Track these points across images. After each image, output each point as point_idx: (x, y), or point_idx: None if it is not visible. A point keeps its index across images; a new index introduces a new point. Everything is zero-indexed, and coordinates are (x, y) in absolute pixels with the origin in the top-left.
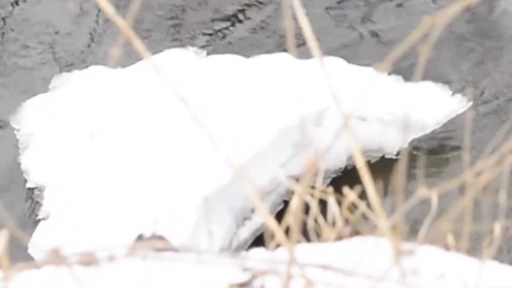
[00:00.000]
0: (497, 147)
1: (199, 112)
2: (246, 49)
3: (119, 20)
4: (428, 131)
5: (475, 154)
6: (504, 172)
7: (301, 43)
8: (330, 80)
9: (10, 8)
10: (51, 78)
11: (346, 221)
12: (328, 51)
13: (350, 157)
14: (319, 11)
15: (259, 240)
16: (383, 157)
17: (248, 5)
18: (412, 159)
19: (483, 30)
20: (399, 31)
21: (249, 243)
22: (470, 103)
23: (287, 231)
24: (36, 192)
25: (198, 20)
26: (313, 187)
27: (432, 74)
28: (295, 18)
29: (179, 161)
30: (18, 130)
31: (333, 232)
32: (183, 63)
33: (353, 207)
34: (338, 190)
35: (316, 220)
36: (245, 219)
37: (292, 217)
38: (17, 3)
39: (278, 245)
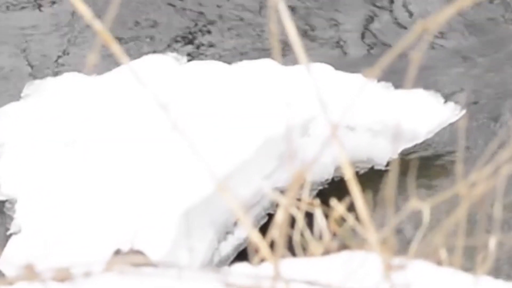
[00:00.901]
0: (492, 157)
1: (180, 121)
2: (229, 55)
3: (96, 24)
4: (419, 141)
5: (469, 165)
6: (499, 183)
7: (287, 49)
8: (317, 88)
9: None
10: (23, 85)
11: (334, 235)
12: (315, 57)
13: (337, 168)
14: (306, 15)
15: (242, 256)
16: (372, 168)
17: (231, 9)
18: (403, 170)
19: (477, 36)
20: (389, 36)
21: (232, 258)
22: (464, 111)
23: (271, 245)
24: (7, 205)
25: (178, 24)
26: (299, 200)
27: (424, 81)
28: (280, 23)
29: (159, 171)
30: None
31: (320, 246)
32: (162, 69)
33: (341, 220)
34: (325, 203)
35: (302, 234)
36: (227, 233)
37: (277, 231)
38: None
39: (262, 260)
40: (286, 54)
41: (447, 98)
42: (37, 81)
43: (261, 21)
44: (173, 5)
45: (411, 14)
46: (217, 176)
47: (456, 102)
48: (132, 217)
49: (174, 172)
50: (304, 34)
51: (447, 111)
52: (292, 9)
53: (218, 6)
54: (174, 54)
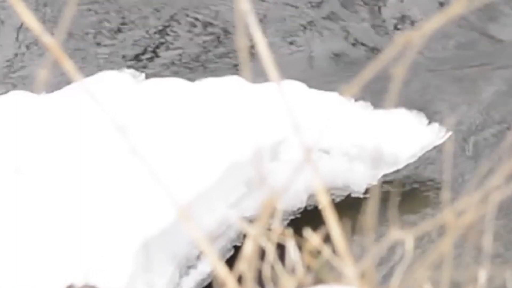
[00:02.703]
0: (481, 183)
1: (139, 144)
2: (191, 71)
3: (46, 38)
4: (401, 165)
5: (456, 191)
6: (489, 211)
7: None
8: (289, 108)
9: None
10: None
11: (308, 268)
12: (287, 74)
13: (311, 196)
14: (277, 28)
15: None
16: (349, 196)
17: (195, 21)
18: (383, 197)
19: (463, 50)
20: (368, 50)
21: None
22: (450, 133)
23: (239, 280)
24: None
25: (136, 38)
26: (269, 230)
27: (406, 100)
28: (249, 36)
29: (115, 199)
30: None
31: (292, 280)
32: (118, 87)
33: (315, 252)
34: (298, 233)
35: (273, 267)
36: (189, 267)
37: (245, 264)
38: None
39: None
40: (255, 70)
41: (431, 118)
42: None
43: (227, 34)
44: (130, 18)
45: (394, 27)
46: (179, 204)
47: (441, 123)
48: (86, 250)
49: (132, 200)
50: (275, 48)
51: (431, 133)
52: (262, 21)
53: (180, 19)
54: (131, 70)
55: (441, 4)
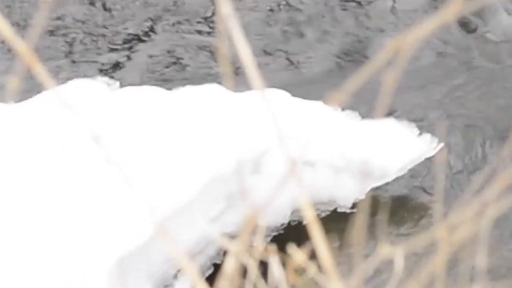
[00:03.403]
0: (475, 196)
1: (114, 155)
2: (168, 79)
3: (18, 43)
4: (390, 178)
5: (449, 205)
6: (484, 226)
7: (238, 72)
8: (273, 117)
9: None
10: None
11: (292, 287)
12: (270, 82)
13: (295, 211)
14: (260, 33)
15: None
16: (335, 211)
17: (171, 25)
18: (372, 212)
19: (455, 56)
20: (356, 57)
21: None
22: (442, 144)
23: None
24: None
25: (109, 44)
26: (251, 246)
27: (396, 110)
28: (231, 41)
29: (88, 213)
30: None
31: None
32: (91, 96)
33: (300, 270)
34: (282, 249)
35: (255, 286)
36: (166, 286)
37: (226, 282)
38: None
39: None
40: (237, 78)
41: (422, 129)
42: None
43: (208, 39)
44: (105, 24)
45: (384, 32)
46: (156, 219)
47: (432, 134)
48: (57, 266)
49: (106, 214)
50: (257, 54)
51: (423, 144)
52: (244, 26)
53: (157, 25)
54: (105, 78)
55: (434, 8)
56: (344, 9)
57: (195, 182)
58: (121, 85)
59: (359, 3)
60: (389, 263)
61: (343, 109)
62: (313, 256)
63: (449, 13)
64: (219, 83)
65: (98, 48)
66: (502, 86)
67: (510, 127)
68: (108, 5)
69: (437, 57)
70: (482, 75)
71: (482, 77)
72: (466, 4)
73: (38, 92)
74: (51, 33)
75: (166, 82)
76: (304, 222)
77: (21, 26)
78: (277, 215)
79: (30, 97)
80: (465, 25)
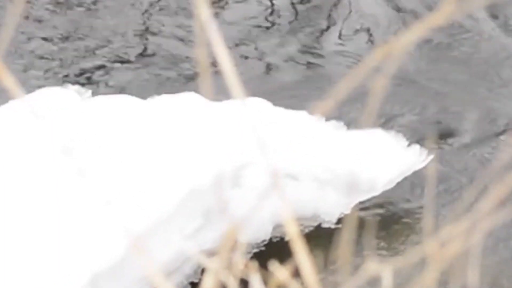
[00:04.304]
0: (468, 210)
1: (86, 168)
2: (143, 87)
3: None
4: (377, 192)
5: (439, 220)
6: (475, 243)
7: (217, 80)
8: (254, 128)
9: None
10: None
11: None
12: (251, 90)
13: (277, 227)
14: (242, 38)
15: None
16: (319, 226)
17: (145, 30)
18: (358, 227)
19: (446, 65)
20: (342, 64)
21: None
22: (432, 156)
23: None
24: None
25: (80, 51)
26: (231, 264)
27: (384, 120)
28: (210, 48)
29: (59, 229)
30: None
31: None
32: (62, 105)
33: None
34: (263, 267)
35: None
36: None
37: None
38: None
39: None
40: (216, 86)
41: (411, 139)
42: None
43: (185, 44)
44: (77, 31)
45: (371, 37)
46: (130, 235)
47: (422, 145)
48: (29, 285)
49: (78, 230)
50: (237, 61)
51: (412, 156)
52: (224, 32)
53: (130, 27)
54: (76, 87)
55: (423, 12)
56: (333, 12)
57: (171, 197)
58: (93, 94)
59: (344, 10)
60: (377, 281)
61: (328, 119)
62: (296, 274)
63: (440, 16)
64: (197, 91)
65: (70, 57)
66: (495, 95)
67: (502, 140)
68: (80, 13)
69: (426, 63)
70: (476, 83)
71: (475, 87)
72: (458, 6)
73: (5, 101)
74: (21, 41)
75: (140, 91)
76: (287, 238)
77: None
78: (258, 231)
79: None
80: (456, 27)
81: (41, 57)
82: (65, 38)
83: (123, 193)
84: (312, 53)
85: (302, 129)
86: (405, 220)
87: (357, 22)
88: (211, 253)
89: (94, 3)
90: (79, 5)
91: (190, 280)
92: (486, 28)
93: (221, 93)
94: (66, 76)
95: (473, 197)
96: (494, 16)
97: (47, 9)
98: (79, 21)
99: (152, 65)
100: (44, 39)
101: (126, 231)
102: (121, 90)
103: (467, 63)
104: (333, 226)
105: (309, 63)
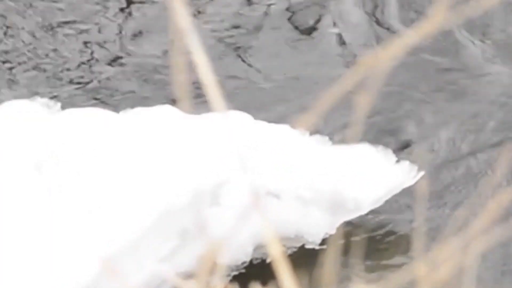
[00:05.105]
0: (460, 230)
1: (54, 185)
2: (116, 99)
3: None
4: (364, 211)
5: (430, 240)
6: (469, 263)
7: (196, 92)
8: (233, 142)
9: None
10: None
11: None
12: (231, 103)
13: (258, 248)
14: (222, 47)
15: None
16: (302, 247)
17: (120, 41)
18: (344, 247)
19: (436, 74)
20: (326, 75)
21: None
22: (422, 173)
23: None
24: None
25: (48, 59)
26: (209, 287)
27: (371, 134)
28: (188, 58)
29: (28, 251)
30: None
31: None
32: (29, 118)
33: None
34: None
35: None
36: None
37: None
38: None
39: None
40: (194, 98)
41: (400, 155)
42: None
43: (161, 52)
44: (42, 38)
45: (357, 47)
46: (102, 257)
47: (412, 161)
48: None
49: (46, 251)
50: (216, 72)
51: (400, 173)
52: (205, 38)
53: (101, 34)
54: (44, 99)
55: (412, 21)
56: (318, 20)
57: (145, 216)
58: (63, 107)
59: (329, 22)
60: None
61: (311, 134)
62: None
63: (429, 27)
64: (173, 104)
65: (37, 68)
66: (488, 109)
67: (496, 156)
68: (50, 27)
69: (418, 74)
70: (468, 97)
71: (468, 100)
72: (448, 16)
73: None
74: None
75: (113, 103)
76: (268, 260)
77: None
78: (238, 252)
79: None
80: (443, 37)
81: (4, 68)
82: (33, 49)
83: (94, 212)
84: (295, 66)
85: (284, 144)
86: (393, 240)
87: (343, 34)
88: (188, 276)
89: (67, 13)
90: (52, 13)
91: None
92: (474, 39)
93: (199, 106)
94: (34, 89)
95: (466, 216)
96: (479, 27)
97: (17, 15)
98: (47, 32)
99: (126, 76)
100: (11, 49)
101: (97, 253)
102: (92, 103)
103: (458, 75)
104: (317, 247)
105: (292, 76)
